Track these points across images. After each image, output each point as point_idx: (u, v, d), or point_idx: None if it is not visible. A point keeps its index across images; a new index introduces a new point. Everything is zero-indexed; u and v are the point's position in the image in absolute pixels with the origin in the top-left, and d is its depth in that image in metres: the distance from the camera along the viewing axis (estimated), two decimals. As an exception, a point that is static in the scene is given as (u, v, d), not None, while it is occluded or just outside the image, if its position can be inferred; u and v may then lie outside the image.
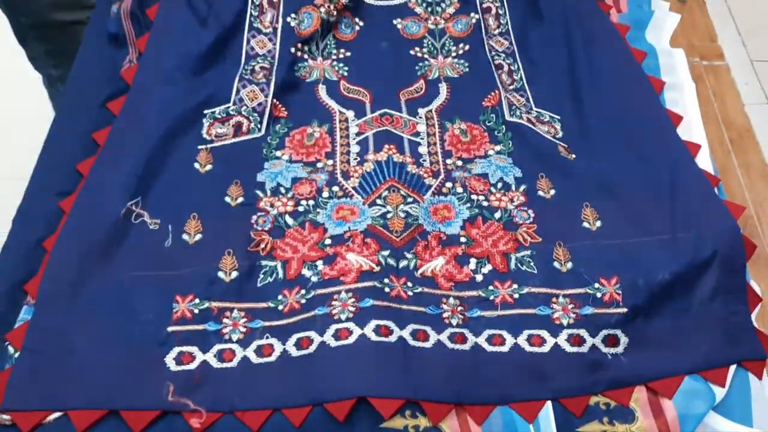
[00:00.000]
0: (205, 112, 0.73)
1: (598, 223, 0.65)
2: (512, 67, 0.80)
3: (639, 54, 0.79)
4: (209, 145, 0.71)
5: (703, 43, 1.90)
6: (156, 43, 0.78)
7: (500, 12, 0.85)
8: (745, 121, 1.75)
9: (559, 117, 0.75)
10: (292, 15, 0.82)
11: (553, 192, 0.68)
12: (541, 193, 0.68)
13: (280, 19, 0.82)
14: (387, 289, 0.59)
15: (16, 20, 0.96)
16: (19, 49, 1.02)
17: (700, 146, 0.72)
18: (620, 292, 0.59)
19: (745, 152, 1.69)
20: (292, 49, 0.80)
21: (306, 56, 0.81)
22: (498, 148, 0.72)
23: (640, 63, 0.78)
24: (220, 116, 0.73)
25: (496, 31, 0.84)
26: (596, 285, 0.60)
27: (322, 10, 0.82)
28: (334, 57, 0.81)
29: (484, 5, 0.85)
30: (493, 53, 0.81)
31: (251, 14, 0.81)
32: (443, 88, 0.78)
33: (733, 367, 0.57)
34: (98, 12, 0.82)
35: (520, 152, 0.71)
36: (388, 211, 0.66)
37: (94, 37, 0.79)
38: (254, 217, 0.65)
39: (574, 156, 0.71)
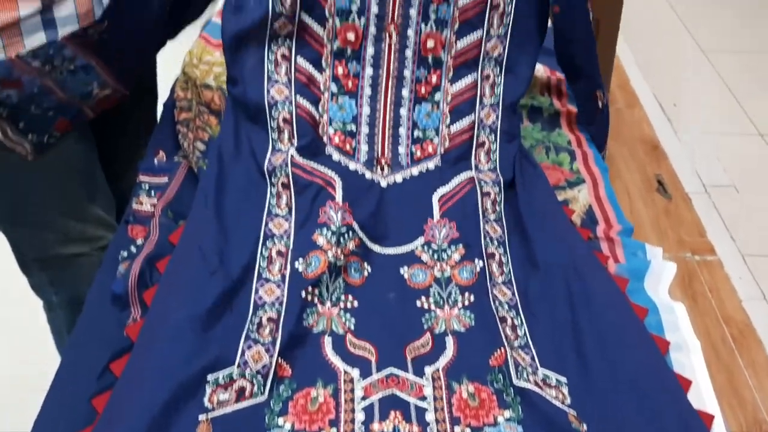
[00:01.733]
0: (209, 378, 0.71)
1: None
2: (515, 321, 0.81)
3: (641, 311, 0.80)
4: (210, 414, 0.68)
5: (692, 238, 1.96)
6: (164, 296, 0.78)
7: (503, 260, 0.88)
8: (745, 317, 1.75)
9: (565, 380, 0.74)
10: (300, 260, 0.84)
11: (567, 470, 0.65)
12: (555, 472, 0.65)
13: (289, 266, 0.83)
14: None
15: (20, 252, 0.99)
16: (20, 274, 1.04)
17: (714, 417, 0.71)
18: None
19: (748, 350, 1.68)
20: (303, 293, 0.80)
21: (315, 300, 0.81)
22: (507, 414, 0.70)
23: (643, 321, 0.79)
24: (223, 381, 0.71)
25: (500, 279, 0.86)
26: None
27: (330, 253, 0.84)
28: (342, 305, 0.82)
29: (489, 250, 0.88)
30: (497, 303, 0.82)
31: (260, 265, 0.83)
32: (450, 343, 0.78)
33: None
34: (103, 271, 0.83)
35: (531, 421, 0.69)
36: (394, 499, 0.62)
37: (99, 297, 0.80)
38: (251, 505, 0.62)
39: (585, 427, 0.69)
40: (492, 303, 0.82)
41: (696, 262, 1.87)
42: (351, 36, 0.90)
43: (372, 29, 0.91)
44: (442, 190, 0.93)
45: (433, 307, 0.83)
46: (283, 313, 0.79)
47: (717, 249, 1.90)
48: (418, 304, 0.83)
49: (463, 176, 0.94)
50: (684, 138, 2.22)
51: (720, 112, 2.37)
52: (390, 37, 0.91)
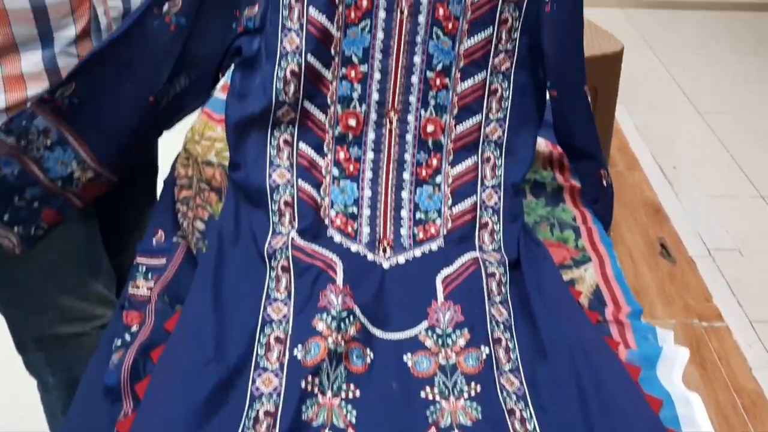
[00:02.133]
0: (202, 482, 0.68)
1: None
2: (524, 414, 0.77)
3: (655, 403, 0.77)
4: None
5: (699, 303, 1.92)
6: (157, 386, 0.75)
7: (510, 345, 0.85)
8: (756, 386, 1.69)
9: (579, 480, 0.70)
10: (299, 346, 0.81)
11: None
12: None
13: (287, 353, 0.81)
14: None
15: (17, 332, 0.96)
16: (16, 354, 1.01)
17: None
18: None
19: (762, 423, 1.62)
20: (303, 383, 0.77)
21: (316, 389, 0.78)
22: None
23: (658, 414, 0.76)
24: (218, 485, 0.68)
25: (507, 367, 0.83)
26: None
27: (330, 340, 0.81)
28: (343, 395, 0.79)
29: (495, 335, 0.85)
30: (505, 394, 0.79)
31: (258, 353, 0.80)
32: (456, 438, 0.75)
33: None
34: (97, 358, 0.81)
35: None
36: None
37: (92, 386, 0.77)
38: None
39: None
40: (499, 394, 0.79)
41: (704, 329, 1.83)
42: (352, 122, 0.91)
43: (373, 115, 0.91)
44: (445, 271, 0.91)
45: (438, 397, 0.79)
46: (281, 406, 0.76)
47: (724, 314, 1.86)
48: (423, 394, 0.80)
49: (467, 257, 0.92)
50: (685, 200, 2.22)
51: (719, 174, 2.38)
52: (390, 122, 0.92)
